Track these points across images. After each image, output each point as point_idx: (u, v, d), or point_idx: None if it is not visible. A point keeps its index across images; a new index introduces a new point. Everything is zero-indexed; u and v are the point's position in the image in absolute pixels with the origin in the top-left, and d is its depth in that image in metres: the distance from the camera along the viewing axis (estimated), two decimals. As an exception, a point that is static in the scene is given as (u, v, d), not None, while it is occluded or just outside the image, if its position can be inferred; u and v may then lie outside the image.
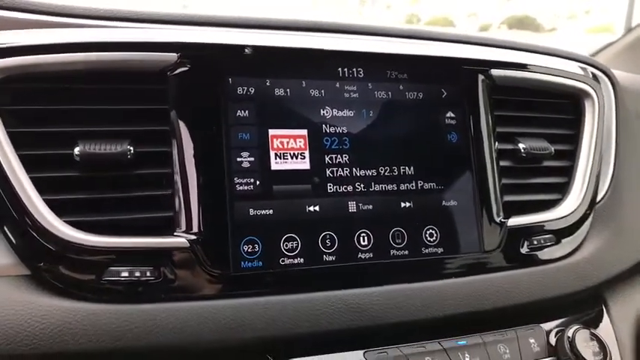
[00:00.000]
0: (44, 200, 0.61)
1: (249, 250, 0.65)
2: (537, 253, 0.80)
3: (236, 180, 0.66)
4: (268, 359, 0.65)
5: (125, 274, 0.61)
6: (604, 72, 0.96)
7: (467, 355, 0.71)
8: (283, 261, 0.66)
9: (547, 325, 0.79)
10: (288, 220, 0.67)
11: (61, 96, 0.64)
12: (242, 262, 0.65)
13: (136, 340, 0.60)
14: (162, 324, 0.61)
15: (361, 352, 0.68)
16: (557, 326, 0.79)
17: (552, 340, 0.78)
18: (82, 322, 0.59)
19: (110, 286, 0.61)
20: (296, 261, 0.67)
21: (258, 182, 0.67)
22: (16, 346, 0.57)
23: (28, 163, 0.61)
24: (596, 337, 0.76)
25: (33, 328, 0.58)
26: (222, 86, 0.67)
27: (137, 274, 0.61)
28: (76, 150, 0.62)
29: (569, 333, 0.76)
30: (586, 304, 0.85)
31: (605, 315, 0.86)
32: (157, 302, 0.62)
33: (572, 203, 0.83)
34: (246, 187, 0.66)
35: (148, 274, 0.62)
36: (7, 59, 0.62)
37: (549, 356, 0.76)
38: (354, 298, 0.69)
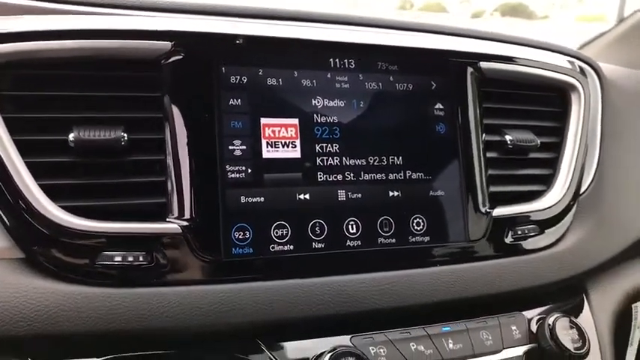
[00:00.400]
0: (39, 185, 0.61)
1: (240, 237, 0.67)
2: (521, 242, 0.82)
3: (228, 168, 0.67)
4: (257, 343, 0.66)
5: (118, 258, 0.62)
6: (591, 66, 0.97)
7: (450, 341, 0.74)
8: (273, 247, 0.68)
9: (529, 313, 0.82)
10: (278, 208, 0.68)
11: (57, 82, 0.64)
12: (233, 249, 0.66)
13: (129, 323, 0.62)
14: (154, 308, 0.63)
15: (348, 336, 0.70)
16: (538, 314, 0.82)
17: (533, 327, 0.80)
18: (75, 304, 0.60)
19: (103, 270, 0.62)
20: (286, 248, 0.68)
21: (249, 170, 0.68)
22: (10, 327, 0.58)
23: (23, 148, 0.62)
24: (575, 326, 0.79)
25: (27, 310, 0.59)
26: (215, 75, 0.68)
27: (130, 258, 0.63)
28: (71, 136, 0.63)
29: (550, 321, 0.78)
30: (567, 294, 0.88)
31: (586, 304, 0.89)
32: (149, 286, 0.63)
33: (556, 194, 0.85)
34: (237, 175, 0.67)
35: (141, 258, 0.63)
36: (5, 45, 0.62)
37: (530, 343, 0.78)
38: (342, 284, 0.70)
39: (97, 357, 0.61)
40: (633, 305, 1.15)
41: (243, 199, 0.67)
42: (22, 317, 0.59)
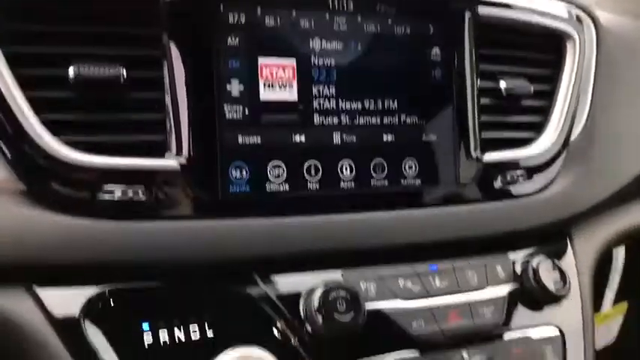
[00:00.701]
0: (39, 119, 0.62)
1: (237, 176, 0.68)
2: (510, 187, 0.85)
3: (225, 107, 0.68)
4: (253, 276, 0.69)
5: (118, 193, 0.64)
6: (588, 14, 0.97)
7: (437, 278, 0.77)
8: (269, 187, 0.70)
9: (514, 255, 0.85)
10: (275, 149, 0.70)
11: (56, 17, 0.64)
12: (230, 186, 0.68)
13: (129, 254, 0.64)
14: (153, 240, 0.65)
15: (340, 271, 0.73)
16: (523, 256, 0.85)
17: (518, 268, 0.83)
18: (76, 236, 0.63)
19: (104, 204, 0.63)
20: (281, 187, 0.70)
21: (247, 110, 0.69)
22: (14, 256, 0.61)
23: (23, 83, 0.63)
24: (558, 268, 0.82)
25: (30, 240, 0.61)
26: (213, 13, 0.68)
27: (130, 193, 0.64)
28: (70, 71, 0.63)
29: (534, 263, 0.82)
30: (552, 238, 0.91)
31: (569, 248, 0.92)
32: (149, 220, 0.65)
33: (546, 142, 0.87)
34: (235, 115, 0.68)
35: (140, 193, 0.65)
36: None
37: (514, 282, 0.82)
38: (335, 223, 0.73)
39: (97, 286, 0.64)
40: (614, 250, 1.19)
41: (240, 138, 0.68)
42: (25, 246, 0.61)
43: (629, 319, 1.32)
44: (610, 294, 1.27)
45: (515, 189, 0.85)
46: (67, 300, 0.62)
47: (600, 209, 0.94)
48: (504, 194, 0.84)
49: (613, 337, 1.36)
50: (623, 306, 1.32)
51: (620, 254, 1.25)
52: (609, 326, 1.34)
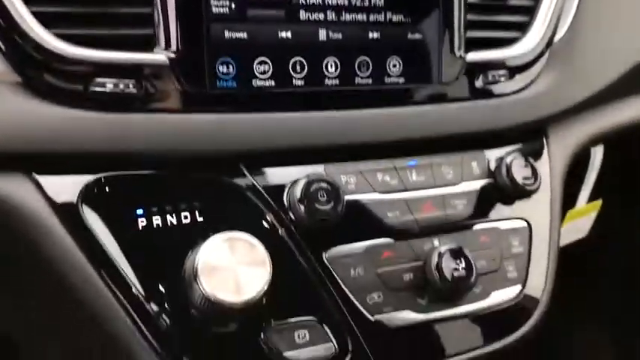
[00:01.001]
0: (31, 12, 0.64)
1: (224, 71, 0.71)
2: (491, 87, 0.87)
3: (212, 2, 0.69)
4: (240, 168, 0.73)
5: (110, 85, 0.66)
6: None
7: (414, 172, 0.81)
8: (256, 82, 0.72)
9: (490, 152, 0.89)
10: (261, 45, 0.71)
11: None
12: (217, 81, 0.70)
13: (120, 145, 0.67)
14: (144, 132, 0.68)
15: (322, 165, 0.77)
16: (499, 154, 0.89)
17: (492, 165, 0.88)
18: (71, 126, 0.66)
19: (96, 95, 0.66)
20: (267, 83, 0.73)
21: (233, 5, 0.70)
22: (13, 144, 0.64)
23: None
24: (530, 165, 0.86)
25: (27, 129, 0.64)
26: None
27: (121, 86, 0.67)
28: (59, -38, 0.64)
29: (508, 160, 0.86)
30: (529, 136, 0.94)
31: (545, 148, 0.96)
32: (140, 112, 0.68)
33: (530, 41, 0.88)
34: (221, 10, 0.69)
35: (131, 86, 0.67)
36: None
37: (487, 178, 0.87)
38: (320, 119, 0.76)
39: (94, 174, 0.68)
40: (592, 149, 1.24)
41: (227, 33, 0.70)
42: (23, 135, 0.64)
43: (602, 216, 1.39)
44: (585, 191, 1.33)
45: (496, 88, 0.88)
46: (65, 186, 0.66)
47: (578, 110, 0.97)
48: (485, 93, 0.87)
49: (585, 232, 1.44)
50: (597, 203, 1.39)
51: (598, 153, 1.29)
52: (582, 222, 1.41)
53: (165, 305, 0.66)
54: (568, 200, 1.27)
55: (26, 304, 0.81)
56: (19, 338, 0.97)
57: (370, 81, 0.78)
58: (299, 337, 0.69)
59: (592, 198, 1.37)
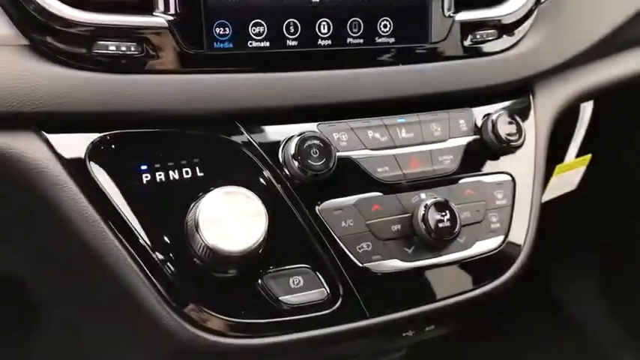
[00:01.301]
0: None
1: (220, 32, 0.74)
2: (479, 45, 0.90)
3: None
4: (237, 126, 0.77)
5: (112, 47, 0.70)
6: None
7: (404, 130, 0.85)
8: (251, 44, 0.76)
9: (477, 110, 0.92)
10: (256, 7, 0.74)
11: None
12: (214, 43, 0.74)
13: (124, 105, 0.71)
14: (146, 92, 0.72)
15: (315, 124, 0.80)
16: (485, 111, 0.92)
17: (479, 122, 0.91)
18: (77, 87, 0.69)
19: (100, 57, 0.69)
20: (262, 44, 0.76)
21: None
22: (21, 105, 0.67)
23: None
24: (515, 122, 0.90)
25: (35, 90, 0.67)
26: None
27: (123, 48, 0.70)
28: None
29: (494, 117, 0.89)
30: (515, 94, 0.98)
31: (531, 105, 0.99)
32: (141, 74, 0.72)
33: (517, 1, 0.91)
34: (217, -27, 0.72)
35: (132, 48, 0.71)
36: None
37: (474, 135, 0.91)
38: (312, 78, 0.79)
39: (99, 133, 0.72)
40: (582, 105, 1.27)
41: (223, -4, 0.73)
42: (32, 96, 0.67)
43: (590, 170, 1.43)
44: (574, 146, 1.37)
45: (485, 47, 0.91)
46: (73, 143, 0.70)
47: (564, 68, 1.00)
48: (473, 52, 0.90)
49: (574, 185, 1.48)
50: (586, 158, 1.42)
51: (587, 109, 1.32)
52: (571, 175, 1.45)
53: (170, 254, 0.71)
54: (557, 154, 1.31)
55: (40, 253, 0.86)
56: (30, 281, 1.03)
57: (361, 41, 0.81)
58: (294, 283, 0.75)
59: (581, 153, 1.40)
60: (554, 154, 1.15)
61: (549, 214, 1.03)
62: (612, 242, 1.91)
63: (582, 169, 1.44)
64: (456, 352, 1.71)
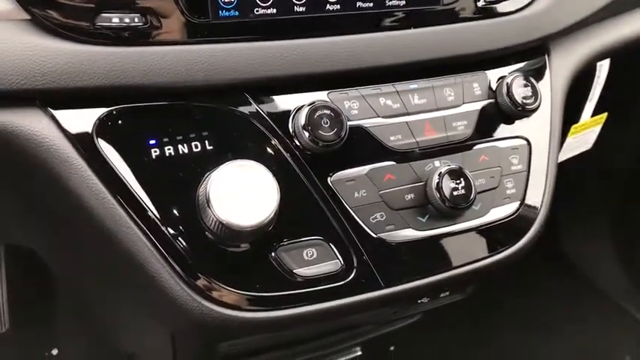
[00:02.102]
0: None
1: (226, 0, 0.72)
2: (492, 6, 0.87)
3: None
4: (245, 97, 0.76)
5: (116, 19, 0.68)
6: None
7: (416, 96, 0.83)
8: (257, 11, 0.73)
9: (491, 73, 0.90)
10: (262, -27, 0.72)
11: None
12: (220, 11, 0.72)
13: (131, 78, 0.69)
14: (151, 65, 0.70)
15: (325, 92, 0.79)
16: (500, 73, 0.90)
17: (493, 85, 0.89)
18: (81, 61, 0.68)
19: (103, 30, 0.68)
20: (269, 11, 0.74)
21: None
22: (27, 82, 0.66)
23: None
24: (531, 84, 0.88)
25: (40, 66, 0.66)
26: None
27: (127, 19, 0.68)
28: None
29: (509, 79, 0.87)
30: (531, 55, 0.95)
31: (547, 66, 0.96)
32: (146, 46, 0.70)
33: (532, -41, 0.88)
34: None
35: (137, 20, 0.69)
36: None
37: (488, 99, 0.88)
38: (322, 45, 0.77)
39: (106, 107, 0.70)
40: (598, 64, 1.24)
41: (227, -38, 0.71)
42: (35, 72, 0.66)
43: (606, 129, 1.40)
44: (590, 106, 1.34)
45: (497, 8, 0.88)
46: (79, 120, 0.69)
47: (580, 26, 0.97)
48: (487, 13, 0.87)
49: (590, 145, 1.46)
50: (602, 117, 1.39)
51: (603, 67, 1.29)
52: (587, 135, 1.43)
53: (182, 229, 0.70)
54: (572, 114, 1.28)
55: (55, 228, 0.86)
56: (47, 255, 1.04)
57: (371, 4, 0.79)
58: (307, 255, 0.74)
59: (596, 112, 1.37)
60: (570, 114, 1.12)
61: (562, 174, 1.02)
62: (625, 202, 1.90)
63: (598, 128, 1.42)
64: (469, 314, 1.72)
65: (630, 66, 1.33)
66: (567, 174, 1.24)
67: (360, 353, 1.26)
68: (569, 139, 1.31)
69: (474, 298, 1.03)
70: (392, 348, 1.64)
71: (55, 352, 1.47)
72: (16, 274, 1.39)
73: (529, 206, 0.88)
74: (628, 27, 1.09)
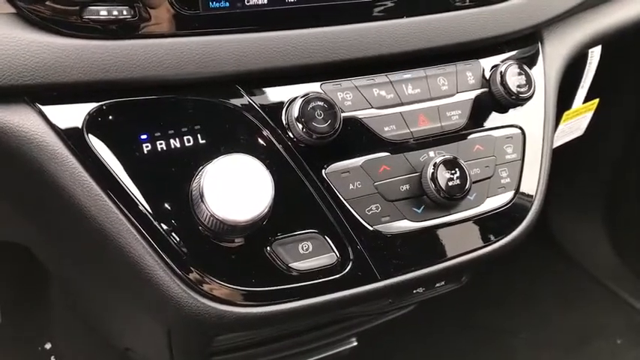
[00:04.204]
0: None
1: (216, -9, 0.71)
2: None
3: None
4: (237, 89, 0.75)
5: (104, 12, 0.66)
6: None
7: (410, 85, 0.82)
8: (248, 1, 0.72)
9: (485, 61, 0.89)
10: (252, -38, 0.71)
11: None
12: (210, 2, 0.71)
13: (118, 72, 0.68)
14: (141, 58, 0.68)
15: (318, 83, 0.78)
16: (493, 62, 0.89)
17: (487, 74, 0.88)
18: (70, 55, 0.66)
19: (91, 23, 0.66)
20: (260, 2, 0.73)
21: None
22: (13, 77, 0.65)
23: None
24: (525, 72, 0.87)
25: (28, 61, 0.65)
26: None
27: (115, 12, 0.67)
28: None
29: (502, 68, 0.86)
30: (524, 43, 0.94)
31: (540, 53, 0.96)
32: (135, 39, 0.68)
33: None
34: None
35: (125, 12, 0.67)
36: None
37: (482, 88, 0.88)
38: (314, 36, 0.76)
39: (97, 101, 0.69)
40: (590, 50, 1.23)
41: (217, -48, 0.69)
42: (20, 68, 0.64)
43: (598, 115, 1.40)
44: (582, 92, 1.34)
45: (490, -5, 0.87)
46: (69, 115, 0.67)
47: (573, 12, 0.97)
48: (480, 1, 0.86)
49: (582, 131, 1.46)
50: (594, 103, 1.39)
51: (595, 53, 1.29)
52: (579, 121, 1.43)
53: (175, 224, 0.69)
54: (565, 101, 1.28)
55: (48, 225, 0.85)
56: (41, 251, 1.03)
57: (364, -7, 0.78)
58: (303, 248, 0.74)
59: (589, 98, 1.37)
60: (562, 101, 1.12)
61: (554, 158, 1.02)
62: (615, 185, 1.91)
63: (590, 114, 1.42)
64: (457, 298, 1.73)
65: (621, 52, 1.33)
66: (558, 158, 1.24)
67: (355, 344, 1.26)
68: (561, 126, 1.31)
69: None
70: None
71: (48, 346, 1.47)
72: (9, 268, 1.38)
73: (524, 195, 0.88)
74: (620, 13, 1.08)
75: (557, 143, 1.33)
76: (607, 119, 1.50)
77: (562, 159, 1.39)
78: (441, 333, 1.78)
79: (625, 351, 1.78)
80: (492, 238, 0.86)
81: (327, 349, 1.21)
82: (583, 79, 1.31)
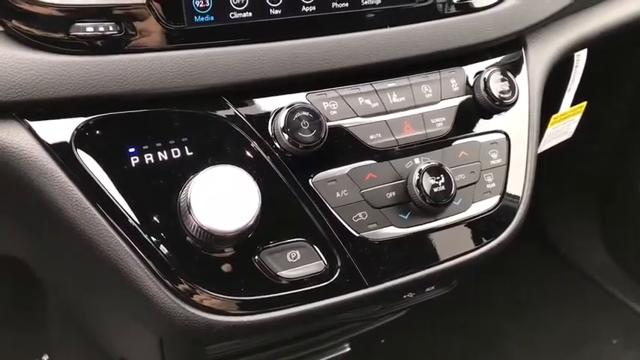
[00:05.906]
0: None
1: (200, 6, 0.72)
2: (468, 1, 0.88)
3: None
4: (224, 101, 0.76)
5: (90, 29, 0.68)
6: None
7: (394, 94, 0.83)
8: (233, 15, 0.73)
9: (469, 68, 0.90)
10: (235, -23, 0.72)
11: None
12: (195, 17, 0.72)
13: (107, 87, 0.69)
14: (127, 73, 0.69)
15: (304, 94, 0.79)
16: (477, 69, 0.91)
17: (471, 81, 0.89)
18: (57, 72, 0.67)
19: (78, 40, 0.67)
20: (244, 15, 0.74)
21: None
22: (4, 94, 0.65)
23: None
24: (508, 78, 0.88)
25: (12, 78, 0.66)
26: None
27: (101, 28, 0.68)
28: None
29: (486, 75, 0.87)
30: (508, 49, 0.96)
31: (524, 59, 0.97)
32: (122, 54, 0.69)
33: (506, -48, 0.88)
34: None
35: (111, 28, 0.68)
36: None
37: (466, 95, 0.89)
38: (298, 47, 0.77)
39: (85, 116, 0.70)
40: (576, 54, 1.25)
41: (201, -33, 0.70)
42: (9, 83, 0.65)
43: (586, 118, 1.41)
44: (569, 96, 1.35)
45: (474, 3, 0.88)
46: (57, 130, 0.68)
47: (556, 18, 0.98)
48: (463, 9, 0.88)
49: (570, 134, 1.47)
50: (582, 106, 1.41)
51: (581, 57, 1.30)
52: (567, 124, 1.44)
53: (164, 236, 0.70)
54: (552, 104, 1.29)
55: (40, 239, 0.86)
56: (35, 265, 1.04)
57: (347, 4, 0.79)
58: (291, 257, 0.74)
59: (576, 101, 1.39)
60: (549, 104, 1.13)
61: (545, 161, 1.03)
62: (609, 187, 1.92)
63: (578, 117, 1.43)
64: (452, 299, 1.74)
65: (607, 54, 1.35)
66: (551, 161, 1.25)
67: (349, 349, 1.27)
68: (549, 129, 1.32)
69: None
70: (382, 341, 1.65)
71: (45, 358, 1.47)
72: (6, 281, 1.39)
73: (510, 199, 0.89)
74: (604, 17, 1.10)
75: (545, 146, 1.35)
76: (597, 121, 1.51)
77: (555, 162, 1.40)
78: (436, 336, 1.79)
79: (621, 352, 1.79)
80: (480, 242, 0.87)
81: (321, 355, 1.22)
82: (570, 83, 1.32)
